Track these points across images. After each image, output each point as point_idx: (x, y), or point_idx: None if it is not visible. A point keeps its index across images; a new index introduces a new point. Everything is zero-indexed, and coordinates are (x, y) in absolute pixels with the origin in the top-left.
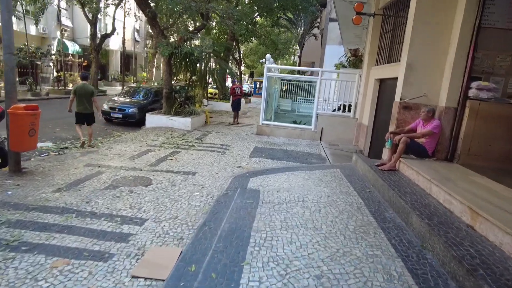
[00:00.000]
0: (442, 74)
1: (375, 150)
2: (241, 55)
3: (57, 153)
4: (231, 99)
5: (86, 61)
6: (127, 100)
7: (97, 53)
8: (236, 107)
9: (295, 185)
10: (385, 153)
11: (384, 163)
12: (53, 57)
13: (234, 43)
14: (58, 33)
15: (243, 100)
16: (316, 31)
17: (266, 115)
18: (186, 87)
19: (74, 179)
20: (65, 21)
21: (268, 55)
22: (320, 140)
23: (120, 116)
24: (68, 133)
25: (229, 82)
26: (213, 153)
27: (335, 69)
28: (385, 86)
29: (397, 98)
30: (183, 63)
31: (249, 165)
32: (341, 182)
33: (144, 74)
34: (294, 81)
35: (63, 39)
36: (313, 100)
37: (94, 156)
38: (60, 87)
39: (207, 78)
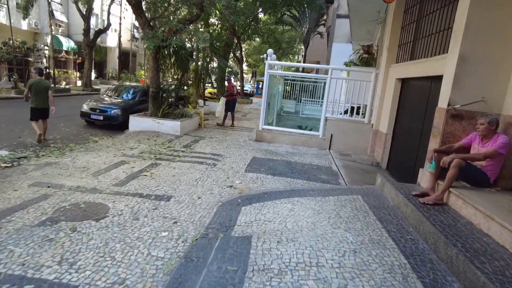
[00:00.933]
0: (510, 71)
1: (395, 163)
2: (243, 53)
3: (10, 164)
4: (222, 98)
5: (80, 58)
6: (111, 100)
7: (90, 50)
8: (232, 107)
9: (304, 226)
10: (423, 176)
11: (425, 193)
12: (46, 53)
13: (236, 40)
14: (52, 28)
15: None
16: (322, 29)
17: (267, 118)
18: (177, 86)
19: (3, 207)
20: (60, 16)
21: (270, 50)
22: (329, 149)
23: (101, 118)
24: (36, 137)
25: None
26: (201, 166)
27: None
28: (409, 87)
29: (442, 103)
30: (172, 58)
31: (243, 184)
32: (367, 219)
33: (142, 72)
34: (298, 80)
35: (57, 35)
36: (319, 101)
37: (50, 170)
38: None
39: (203, 76)
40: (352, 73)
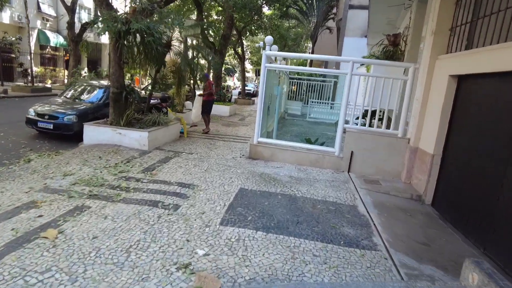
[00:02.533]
0: None
1: (447, 198)
2: (246, 50)
3: None
4: (194, 98)
5: (68, 54)
6: (67, 102)
7: (75, 45)
8: (208, 109)
9: None
10: None
11: None
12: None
13: (237, 35)
14: (39, 23)
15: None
16: (331, 24)
17: (265, 126)
18: (153, 86)
19: None
20: (48, 9)
21: (268, 37)
22: (349, 171)
23: (51, 126)
24: None
25: (234, 81)
26: (152, 211)
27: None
28: (474, 88)
29: None
30: (139, 48)
31: (210, 262)
32: None
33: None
34: (305, 77)
35: (45, 30)
36: (329, 103)
37: None
38: (28, 84)
39: (188, 73)
40: (376, 69)
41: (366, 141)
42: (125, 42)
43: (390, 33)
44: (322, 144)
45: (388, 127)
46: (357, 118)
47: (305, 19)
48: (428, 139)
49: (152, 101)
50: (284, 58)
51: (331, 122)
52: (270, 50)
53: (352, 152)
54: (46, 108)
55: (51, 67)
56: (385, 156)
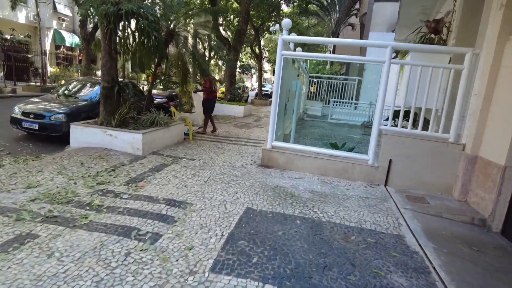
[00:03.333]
0: None
1: None
2: (262, 48)
3: None
4: (189, 96)
5: (81, 54)
6: (57, 100)
7: (87, 43)
8: (209, 108)
9: None
10: None
11: None
12: (47, 47)
13: (254, 32)
14: (55, 23)
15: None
16: (353, 20)
17: (282, 128)
18: (154, 80)
19: None
20: (63, 9)
21: (286, 20)
22: (386, 185)
23: (36, 127)
24: None
25: (252, 83)
26: (120, 244)
27: (399, 55)
28: None
29: None
30: (135, 35)
31: None
32: None
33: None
34: (325, 76)
35: (60, 30)
36: (352, 103)
37: None
38: (37, 83)
39: (191, 64)
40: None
41: (408, 146)
42: (116, 28)
43: (430, 19)
44: (351, 150)
45: (425, 128)
46: (386, 119)
47: (326, 16)
48: (495, 146)
49: (158, 100)
50: (305, 60)
51: (356, 124)
52: (287, 34)
53: (390, 160)
54: (32, 106)
55: (66, 67)
56: (431, 165)
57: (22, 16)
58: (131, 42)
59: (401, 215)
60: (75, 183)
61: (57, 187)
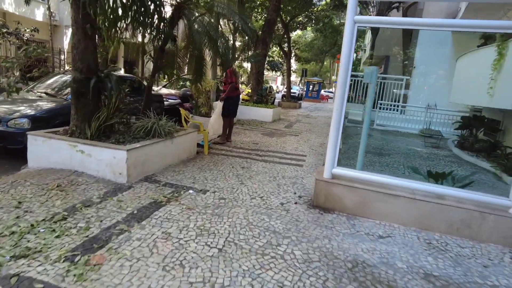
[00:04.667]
0: None
1: None
2: (291, 45)
3: None
4: (207, 96)
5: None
6: (25, 99)
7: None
8: (232, 111)
9: None
10: None
11: None
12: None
13: (283, 28)
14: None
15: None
16: (394, 14)
17: (363, 150)
18: (156, 70)
19: None
20: None
21: None
22: None
23: None
24: None
25: (278, 85)
26: None
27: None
28: None
29: None
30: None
31: None
32: None
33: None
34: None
35: None
36: (400, 105)
37: None
38: None
39: (207, 48)
40: None
41: None
42: None
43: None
44: (466, 186)
45: None
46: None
47: (364, 8)
48: None
49: (171, 100)
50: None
51: (408, 131)
52: None
53: None
54: None
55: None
56: None
57: (39, 13)
58: (111, 10)
59: None
60: None
61: None
